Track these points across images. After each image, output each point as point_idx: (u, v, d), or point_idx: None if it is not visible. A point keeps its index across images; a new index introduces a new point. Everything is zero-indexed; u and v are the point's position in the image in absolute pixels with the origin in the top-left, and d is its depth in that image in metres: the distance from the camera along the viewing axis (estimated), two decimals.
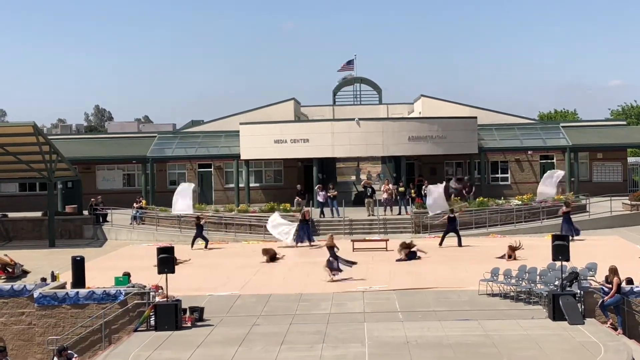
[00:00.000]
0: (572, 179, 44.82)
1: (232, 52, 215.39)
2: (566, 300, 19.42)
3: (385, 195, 38.64)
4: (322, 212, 38.30)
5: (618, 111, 79.50)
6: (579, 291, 19.98)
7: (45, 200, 37.91)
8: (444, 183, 37.09)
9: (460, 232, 32.57)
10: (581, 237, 32.58)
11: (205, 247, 33.35)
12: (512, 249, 28.20)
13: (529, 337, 18.07)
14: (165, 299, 20.13)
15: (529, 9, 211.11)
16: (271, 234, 34.29)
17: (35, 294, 21.65)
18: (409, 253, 28.96)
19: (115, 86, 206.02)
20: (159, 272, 20.26)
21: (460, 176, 45.03)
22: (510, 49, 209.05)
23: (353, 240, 32.50)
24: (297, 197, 39.51)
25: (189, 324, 19.92)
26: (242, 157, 43.93)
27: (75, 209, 39.89)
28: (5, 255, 28.32)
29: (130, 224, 38.91)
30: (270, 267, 28.44)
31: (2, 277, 26.86)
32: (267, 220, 34.73)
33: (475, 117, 45.00)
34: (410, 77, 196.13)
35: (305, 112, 55.45)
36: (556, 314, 19.36)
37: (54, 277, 23.52)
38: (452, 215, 32.57)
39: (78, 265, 22.60)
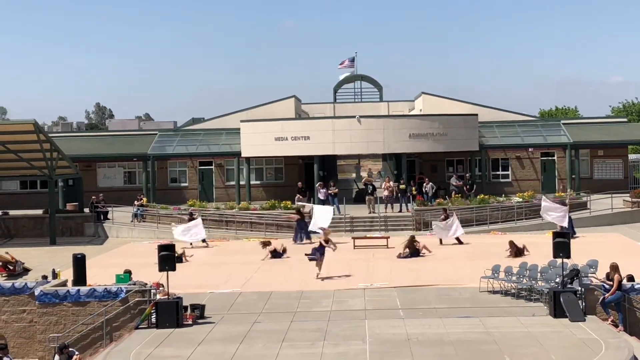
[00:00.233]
0: (573, 176, 44.81)
1: (233, 51, 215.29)
2: (567, 297, 19.41)
3: (386, 193, 38.64)
4: None
5: (619, 108, 79.35)
6: (580, 288, 19.98)
7: (46, 198, 37.90)
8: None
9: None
10: (578, 234, 32.37)
11: (191, 244, 32.77)
12: (517, 249, 28.00)
13: (530, 334, 18.07)
14: (167, 297, 20.15)
15: (529, 8, 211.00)
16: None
17: (37, 292, 21.70)
18: (413, 250, 28.96)
19: (115, 85, 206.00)
20: (160, 270, 20.30)
21: (461, 173, 45.03)
22: (511, 46, 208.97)
23: (354, 238, 32.60)
24: (298, 195, 39.49)
25: (190, 322, 19.93)
26: (243, 155, 43.89)
27: (76, 207, 39.96)
28: (7, 252, 28.34)
29: (131, 221, 38.95)
30: (271, 264, 28.44)
31: (3, 275, 26.87)
32: (263, 219, 34.41)
33: (476, 115, 44.91)
34: (411, 75, 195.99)
35: (306, 110, 55.46)
36: (557, 311, 19.35)
37: (55, 275, 23.55)
38: (446, 214, 32.67)
39: (79, 263, 22.62)
